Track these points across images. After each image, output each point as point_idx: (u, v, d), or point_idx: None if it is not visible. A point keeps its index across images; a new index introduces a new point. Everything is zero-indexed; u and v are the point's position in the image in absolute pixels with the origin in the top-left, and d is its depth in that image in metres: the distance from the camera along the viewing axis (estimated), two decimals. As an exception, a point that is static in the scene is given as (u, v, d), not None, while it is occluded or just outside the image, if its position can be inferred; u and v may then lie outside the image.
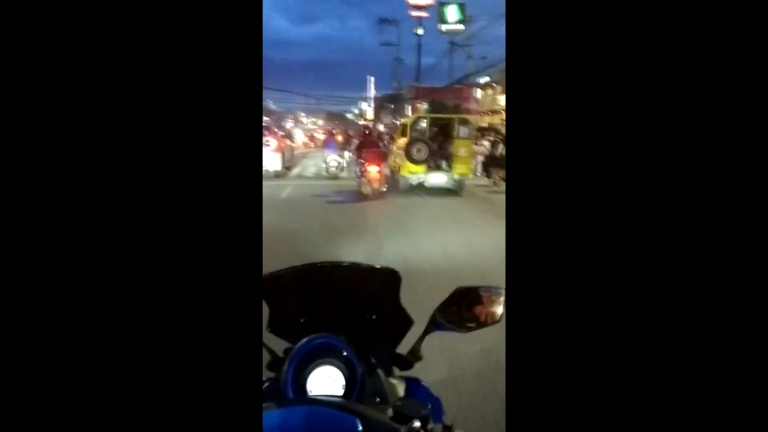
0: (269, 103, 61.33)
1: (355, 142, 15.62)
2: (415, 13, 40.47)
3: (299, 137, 37.89)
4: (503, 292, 1.02)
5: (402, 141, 11.85)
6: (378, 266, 1.07)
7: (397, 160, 12.14)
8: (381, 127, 49.66)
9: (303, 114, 79.32)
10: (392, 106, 46.94)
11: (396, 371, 1.03)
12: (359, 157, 11.05)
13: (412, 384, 1.01)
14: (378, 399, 0.88)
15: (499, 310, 1.04)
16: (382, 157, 11.26)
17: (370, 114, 59.71)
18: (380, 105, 58.84)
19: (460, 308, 1.05)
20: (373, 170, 10.14)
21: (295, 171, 17.60)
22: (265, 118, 22.65)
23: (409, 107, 37.58)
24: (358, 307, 1.06)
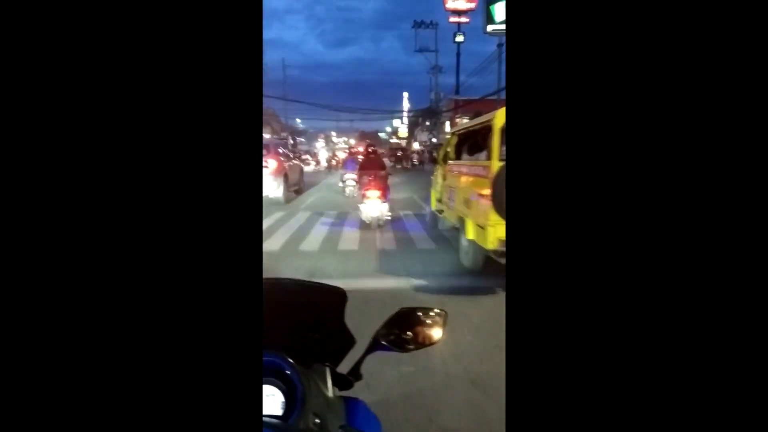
0: (296, 121, 58.88)
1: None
2: (454, 19, 36.43)
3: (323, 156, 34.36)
4: (444, 314, 1.09)
5: (470, 180, 5.56)
6: (323, 284, 1.08)
7: (459, 206, 5.98)
8: (416, 146, 46.70)
9: (334, 133, 76.61)
10: (427, 122, 42.45)
11: (336, 391, 0.99)
12: (359, 180, 9.65)
13: (352, 404, 1.00)
14: (318, 420, 0.85)
15: (439, 332, 1.07)
16: (386, 180, 9.13)
17: (403, 131, 55.93)
18: (415, 121, 55.16)
19: (402, 329, 1.05)
20: (373, 195, 8.37)
21: (307, 199, 13.79)
22: (267, 137, 19.20)
23: (447, 123, 33.36)
24: (301, 325, 1.06)
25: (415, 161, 31.45)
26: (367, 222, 8.51)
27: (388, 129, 69.52)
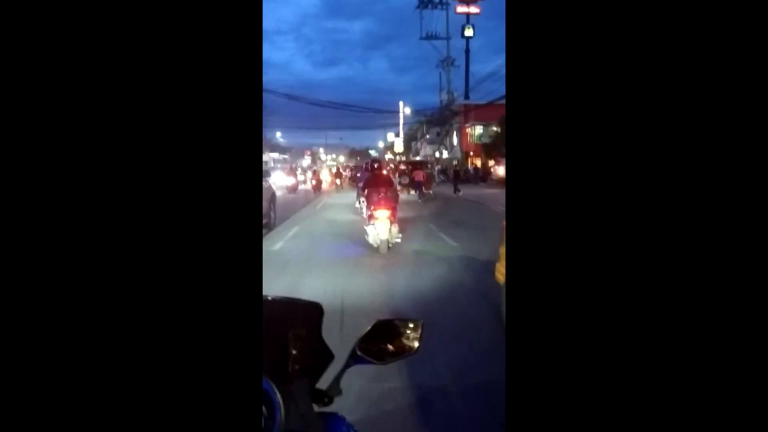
0: (276, 135, 52.91)
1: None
2: (461, 9, 30.94)
3: (323, 176, 27.81)
4: (421, 324, 1.07)
5: None
6: (300, 299, 1.04)
7: None
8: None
9: (322, 149, 71.04)
10: (427, 134, 35.49)
11: (315, 407, 0.98)
12: (368, 198, 8.02)
13: (332, 420, 0.99)
14: None
15: (417, 342, 1.06)
16: (396, 198, 7.94)
17: (399, 147, 50.27)
18: (413, 135, 49.20)
19: (380, 341, 1.05)
20: (383, 215, 7.24)
21: (275, 244, 7.98)
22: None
23: (455, 133, 27.26)
24: (277, 341, 0.99)
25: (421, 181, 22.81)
26: (375, 246, 7.36)
27: (381, 144, 63.75)
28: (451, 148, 23.71)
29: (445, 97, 27.23)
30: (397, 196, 8.24)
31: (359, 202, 12.38)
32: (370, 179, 8.54)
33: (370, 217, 7.49)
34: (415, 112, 34.30)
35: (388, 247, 7.26)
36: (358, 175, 16.52)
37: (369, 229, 7.45)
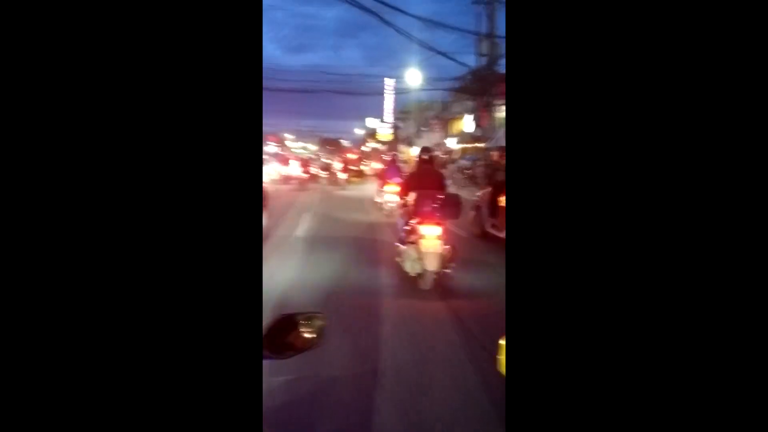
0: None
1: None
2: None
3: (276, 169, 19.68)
4: (323, 317, 1.09)
5: None
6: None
7: None
8: (413, 152, 24.18)
9: (290, 136, 63.43)
10: (471, 101, 20.30)
11: None
12: (417, 204, 4.85)
13: None
14: None
15: (318, 336, 1.06)
16: (456, 206, 4.89)
17: (384, 133, 43.29)
18: (408, 114, 41.93)
19: (280, 335, 1.03)
20: (432, 233, 4.62)
21: None
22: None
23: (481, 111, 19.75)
24: None
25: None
26: (413, 274, 4.67)
27: (358, 131, 56.56)
28: (492, 134, 15.95)
29: (487, 48, 15.09)
30: (459, 203, 4.91)
31: (380, 198, 10.17)
32: (414, 176, 5.41)
33: (411, 232, 4.79)
34: (434, 80, 25.75)
35: (433, 279, 4.58)
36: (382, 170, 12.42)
37: (407, 251, 4.73)
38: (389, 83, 33.76)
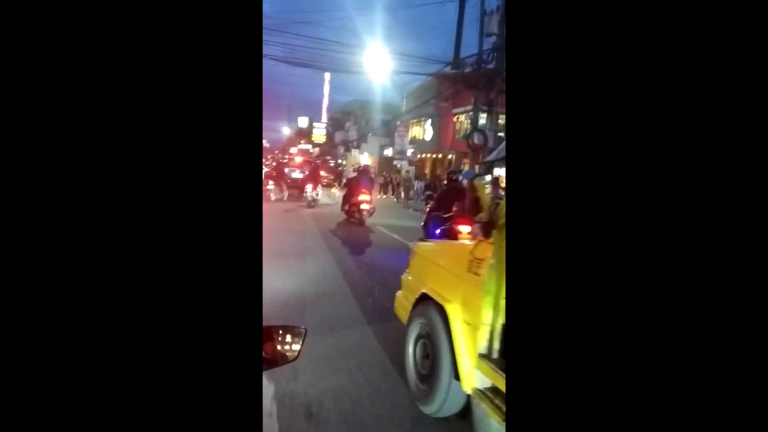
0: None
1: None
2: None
3: None
4: (303, 331, 1.07)
5: None
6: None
7: None
8: (363, 159, 22.55)
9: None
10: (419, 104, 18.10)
11: None
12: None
13: None
14: None
15: (296, 347, 1.05)
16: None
17: (318, 134, 42.71)
18: (340, 123, 40.95)
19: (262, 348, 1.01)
20: None
21: None
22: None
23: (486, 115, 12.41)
24: None
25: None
26: None
27: (286, 130, 55.19)
28: (494, 135, 11.88)
29: (496, 29, 11.43)
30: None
31: (355, 207, 9.87)
32: (443, 197, 6.01)
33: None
34: (431, 61, 19.69)
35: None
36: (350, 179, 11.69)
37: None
38: (327, 76, 31.49)
